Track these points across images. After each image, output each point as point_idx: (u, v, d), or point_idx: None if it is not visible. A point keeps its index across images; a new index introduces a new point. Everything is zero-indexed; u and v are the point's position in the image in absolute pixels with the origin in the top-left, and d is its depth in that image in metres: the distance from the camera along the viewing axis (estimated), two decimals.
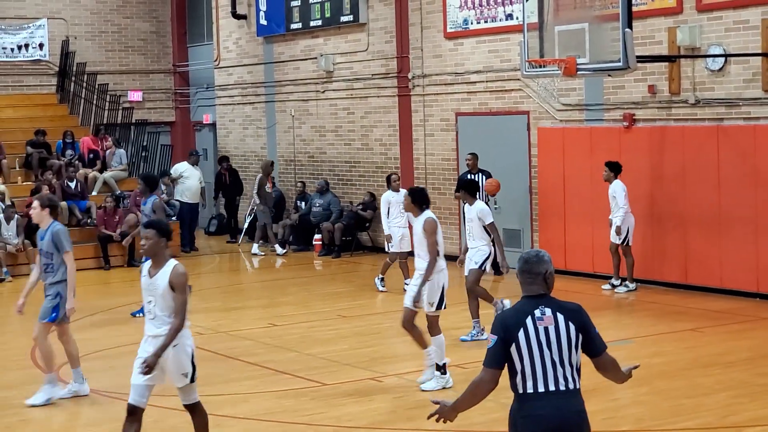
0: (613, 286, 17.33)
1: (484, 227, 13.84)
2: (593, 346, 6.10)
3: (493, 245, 13.99)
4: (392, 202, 18.10)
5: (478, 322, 13.95)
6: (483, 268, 13.96)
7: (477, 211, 13.83)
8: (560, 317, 6.00)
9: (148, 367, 8.61)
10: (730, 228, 16.63)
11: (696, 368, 12.29)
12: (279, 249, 23.39)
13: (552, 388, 5.94)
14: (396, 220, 18.12)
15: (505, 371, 6.05)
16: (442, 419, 6.22)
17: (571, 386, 5.98)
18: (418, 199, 12.49)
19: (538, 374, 5.95)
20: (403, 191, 18.49)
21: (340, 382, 12.05)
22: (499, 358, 6.02)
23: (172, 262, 8.97)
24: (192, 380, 8.91)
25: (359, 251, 23.03)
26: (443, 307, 12.04)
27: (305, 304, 17.33)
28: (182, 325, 8.71)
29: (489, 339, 6.08)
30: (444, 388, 11.39)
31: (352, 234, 22.82)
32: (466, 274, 14.06)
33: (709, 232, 16.88)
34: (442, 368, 11.59)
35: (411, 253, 17.80)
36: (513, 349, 5.98)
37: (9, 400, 11.64)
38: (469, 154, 19.38)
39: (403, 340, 14.23)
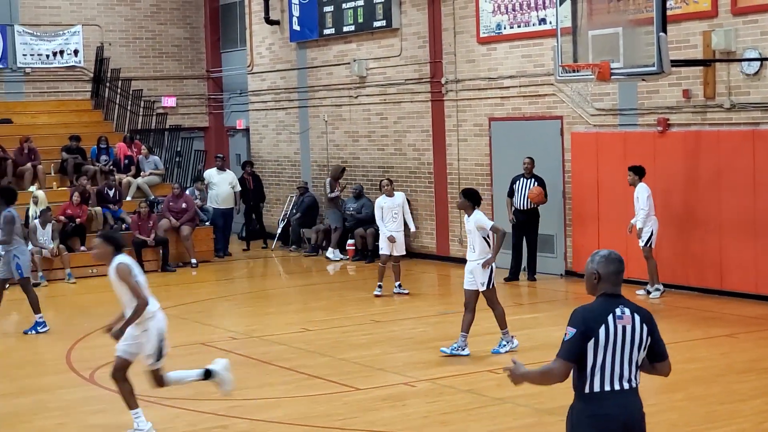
0: (648, 292, 17.24)
1: (485, 238, 13.28)
2: (658, 350, 6.30)
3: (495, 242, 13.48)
4: (385, 207, 18.21)
5: (465, 337, 13.44)
6: (492, 286, 13.40)
7: (474, 221, 13.28)
8: (637, 318, 6.16)
9: (114, 338, 10.17)
10: (765, 233, 16.51)
11: (731, 374, 12.22)
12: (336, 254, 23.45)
13: (618, 387, 6.06)
14: (390, 225, 18.18)
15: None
16: (511, 378, 6.31)
17: (634, 385, 6.13)
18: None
19: (607, 372, 6.06)
20: (399, 194, 18.64)
21: (373, 387, 12.05)
22: (575, 351, 6.09)
23: (115, 260, 10.38)
24: (157, 361, 10.17)
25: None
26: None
27: (338, 309, 17.34)
28: (143, 305, 10.05)
29: (566, 332, 6.13)
30: None
31: None
32: (466, 287, 13.48)
33: (745, 237, 16.78)
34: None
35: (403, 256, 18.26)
36: (590, 344, 6.06)
37: (45, 403, 11.73)
38: (527, 157, 19.30)
39: (437, 344, 14.24)
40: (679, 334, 14.33)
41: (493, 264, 13.37)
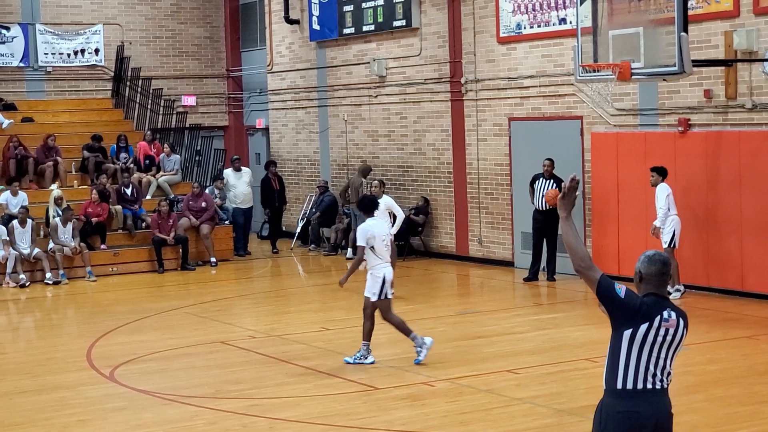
0: (669, 293, 17.17)
1: (371, 249, 12.90)
2: None
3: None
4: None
5: (367, 345, 13.21)
6: (385, 296, 12.96)
7: (358, 230, 13.05)
8: (681, 323, 6.19)
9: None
10: None
11: (752, 376, 12.17)
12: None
13: (650, 386, 6.07)
14: None
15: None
16: (562, 200, 6.26)
17: (666, 385, 6.14)
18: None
19: (641, 371, 6.06)
20: (385, 197, 18.10)
21: (392, 386, 12.06)
22: (613, 287, 6.05)
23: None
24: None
25: (412, 256, 23.02)
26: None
27: (357, 309, 17.24)
28: None
29: (618, 286, 6.10)
30: None
31: (405, 239, 22.81)
32: (367, 295, 13.11)
33: (766, 237, 16.71)
34: None
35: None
36: (627, 334, 6.06)
37: (66, 401, 11.78)
38: (547, 159, 19.23)
39: (455, 345, 14.25)
40: (699, 336, 14.28)
41: (386, 275, 12.95)
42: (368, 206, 13.31)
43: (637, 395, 6.06)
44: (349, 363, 13.15)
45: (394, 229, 17.87)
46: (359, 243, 12.91)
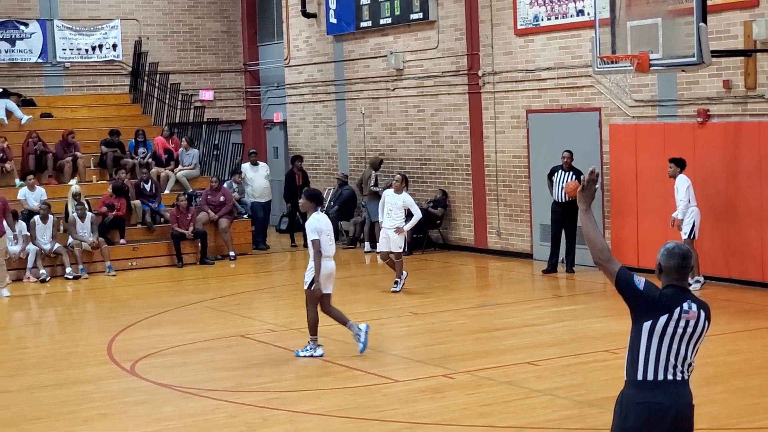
0: (688, 284, 17.13)
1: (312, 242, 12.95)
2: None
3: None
4: (387, 201, 17.96)
5: (314, 340, 13.28)
6: (311, 287, 13.02)
7: (306, 225, 13.13)
8: (702, 315, 6.18)
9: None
10: None
11: None
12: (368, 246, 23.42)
13: (670, 377, 6.08)
14: (385, 221, 17.90)
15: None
16: (573, 189, 6.37)
17: (686, 377, 6.14)
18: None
19: (662, 362, 6.07)
20: (405, 195, 18.10)
21: (412, 378, 12.06)
22: (632, 279, 6.08)
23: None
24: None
25: (430, 249, 23.02)
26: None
27: (377, 302, 17.37)
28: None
29: (637, 278, 6.13)
30: None
31: (423, 231, 22.82)
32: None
33: None
34: None
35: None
36: (646, 326, 6.07)
37: (88, 395, 11.82)
38: (566, 151, 19.18)
39: (474, 337, 14.25)
40: (719, 327, 14.21)
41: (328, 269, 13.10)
42: (317, 199, 13.36)
43: (658, 386, 6.05)
44: (299, 356, 13.23)
45: (408, 226, 17.92)
46: (313, 237, 12.93)
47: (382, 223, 18.15)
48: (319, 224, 12.99)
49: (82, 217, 21.27)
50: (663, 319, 6.06)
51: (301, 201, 13.60)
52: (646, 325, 6.07)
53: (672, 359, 6.07)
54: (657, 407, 6.03)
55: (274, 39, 29.20)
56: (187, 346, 14.19)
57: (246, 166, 25.06)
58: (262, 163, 25.45)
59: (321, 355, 13.21)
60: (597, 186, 6.48)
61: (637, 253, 18.47)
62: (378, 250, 18.00)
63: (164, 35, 28.99)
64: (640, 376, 6.09)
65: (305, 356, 13.19)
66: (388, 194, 18.05)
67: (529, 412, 10.52)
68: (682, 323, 6.08)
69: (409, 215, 18.04)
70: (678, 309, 6.08)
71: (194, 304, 17.68)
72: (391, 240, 17.77)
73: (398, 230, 17.75)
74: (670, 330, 6.06)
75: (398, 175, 18.50)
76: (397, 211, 17.86)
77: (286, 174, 25.36)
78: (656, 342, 6.06)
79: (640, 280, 6.10)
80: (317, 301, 13.14)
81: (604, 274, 6.23)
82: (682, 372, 6.10)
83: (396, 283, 17.93)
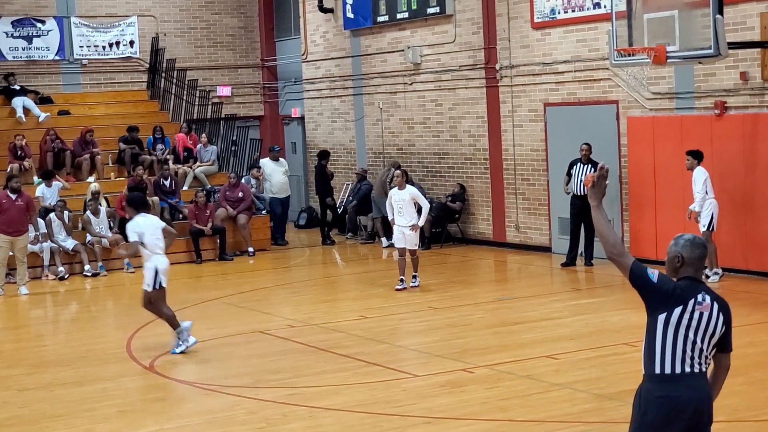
0: (707, 276, 17.10)
1: (143, 243, 13.37)
2: (725, 342, 6.25)
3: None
4: (393, 200, 17.67)
5: (178, 333, 13.47)
6: (159, 286, 13.46)
7: (127, 227, 13.69)
8: (715, 306, 6.14)
9: None
10: None
11: None
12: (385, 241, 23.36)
13: (688, 370, 6.06)
14: (397, 219, 17.59)
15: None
16: (592, 188, 6.35)
17: (704, 369, 6.12)
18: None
19: (678, 355, 6.05)
20: (409, 188, 17.78)
21: (431, 373, 12.06)
22: (646, 272, 6.09)
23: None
24: None
25: (449, 243, 23.02)
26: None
27: (396, 296, 17.36)
28: None
29: (651, 271, 6.14)
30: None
31: (442, 226, 22.81)
32: (144, 288, 13.60)
33: None
34: None
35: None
36: (661, 318, 6.06)
37: (107, 392, 11.85)
38: (585, 144, 19.14)
39: (494, 331, 14.25)
40: (739, 319, 14.10)
41: (158, 266, 13.41)
42: (138, 203, 13.74)
43: (676, 379, 6.04)
44: (176, 353, 13.40)
45: (422, 221, 17.75)
46: (130, 238, 13.39)
47: (394, 221, 17.73)
48: (139, 227, 13.39)
49: (96, 213, 21.31)
50: (678, 311, 6.05)
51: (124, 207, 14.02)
52: (662, 317, 6.06)
53: (689, 351, 6.05)
54: (677, 401, 6.02)
55: (291, 34, 29.21)
56: (206, 342, 14.21)
57: (266, 161, 25.06)
58: (282, 160, 25.46)
59: (195, 342, 13.52)
60: (608, 182, 6.48)
61: (656, 246, 18.41)
62: (398, 246, 17.78)
63: (181, 31, 29.04)
64: (657, 370, 6.07)
65: (181, 351, 13.43)
66: (394, 193, 17.72)
67: (549, 405, 10.52)
68: (696, 315, 6.06)
69: (418, 209, 17.88)
70: (692, 300, 6.07)
71: (213, 300, 17.71)
72: (406, 237, 17.57)
73: (414, 228, 17.51)
74: (684, 322, 6.05)
75: (397, 171, 18.19)
76: (408, 207, 17.54)
77: (317, 169, 25.14)
78: (672, 334, 6.04)
79: (653, 273, 6.10)
80: (164, 297, 13.57)
81: (618, 269, 6.24)
82: (700, 364, 6.08)
83: (414, 277, 17.85)
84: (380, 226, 23.51)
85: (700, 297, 6.10)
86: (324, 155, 25.19)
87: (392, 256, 22.34)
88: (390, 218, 17.84)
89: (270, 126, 30.10)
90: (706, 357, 6.12)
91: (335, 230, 25.48)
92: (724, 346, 6.23)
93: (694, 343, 6.05)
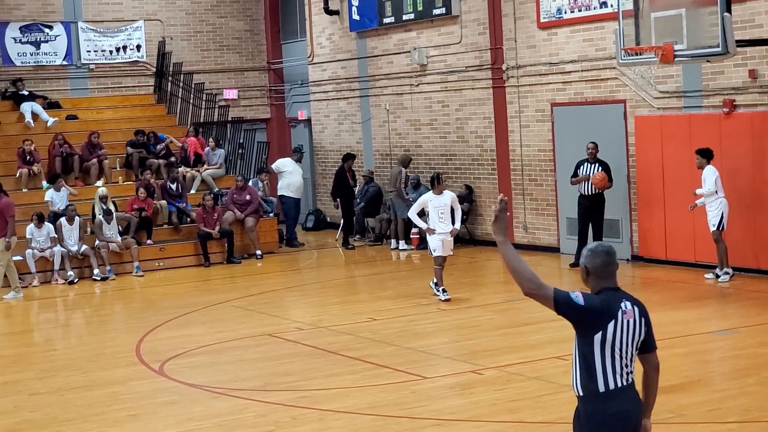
0: (717, 276, 17.05)
1: None
2: (649, 342, 6.12)
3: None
4: (431, 205, 16.80)
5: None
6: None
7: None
8: (636, 311, 6.02)
9: None
10: None
11: None
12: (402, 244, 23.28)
13: (625, 382, 5.95)
14: (440, 226, 16.73)
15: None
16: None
17: (632, 379, 6.00)
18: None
19: (618, 369, 5.93)
20: (447, 193, 17.02)
21: (440, 375, 12.05)
22: (570, 297, 5.89)
23: None
24: None
25: (457, 244, 22.87)
26: None
27: (404, 298, 17.34)
28: None
29: (575, 294, 5.95)
30: None
31: None
32: None
33: None
34: None
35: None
36: (597, 338, 5.91)
37: (117, 396, 11.86)
38: (591, 142, 19.05)
39: (503, 332, 14.22)
40: (749, 318, 14.17)
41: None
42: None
43: (619, 394, 5.93)
44: None
45: (458, 224, 16.95)
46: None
47: (434, 229, 16.78)
48: None
49: (109, 219, 21.34)
50: (611, 326, 5.91)
51: None
52: (597, 337, 5.92)
53: (624, 363, 5.94)
54: (626, 415, 5.95)
55: (297, 37, 29.21)
56: (215, 345, 14.22)
57: (288, 161, 25.11)
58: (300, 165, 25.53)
59: None
60: (507, 213, 6.20)
61: (665, 245, 18.38)
62: (441, 254, 16.76)
63: (188, 35, 29.04)
64: (602, 389, 5.93)
65: None
66: (432, 198, 16.83)
67: (559, 407, 10.48)
68: (625, 324, 5.93)
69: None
70: (619, 312, 5.94)
71: (222, 303, 17.71)
72: (445, 244, 16.76)
73: (453, 232, 16.90)
74: (618, 335, 5.91)
75: (437, 176, 17.10)
76: (448, 212, 16.87)
77: (336, 172, 25.01)
78: (609, 351, 5.91)
79: (577, 296, 5.93)
80: None
81: (540, 303, 5.99)
82: (629, 373, 5.98)
83: (444, 291, 17.02)
84: (401, 230, 23.31)
85: (623, 306, 5.97)
86: (347, 158, 25.06)
87: (399, 257, 22.37)
88: (424, 227, 17.00)
89: (277, 129, 30.10)
90: (633, 365, 6.01)
91: (343, 232, 25.39)
92: (649, 346, 6.10)
93: (625, 354, 5.93)
